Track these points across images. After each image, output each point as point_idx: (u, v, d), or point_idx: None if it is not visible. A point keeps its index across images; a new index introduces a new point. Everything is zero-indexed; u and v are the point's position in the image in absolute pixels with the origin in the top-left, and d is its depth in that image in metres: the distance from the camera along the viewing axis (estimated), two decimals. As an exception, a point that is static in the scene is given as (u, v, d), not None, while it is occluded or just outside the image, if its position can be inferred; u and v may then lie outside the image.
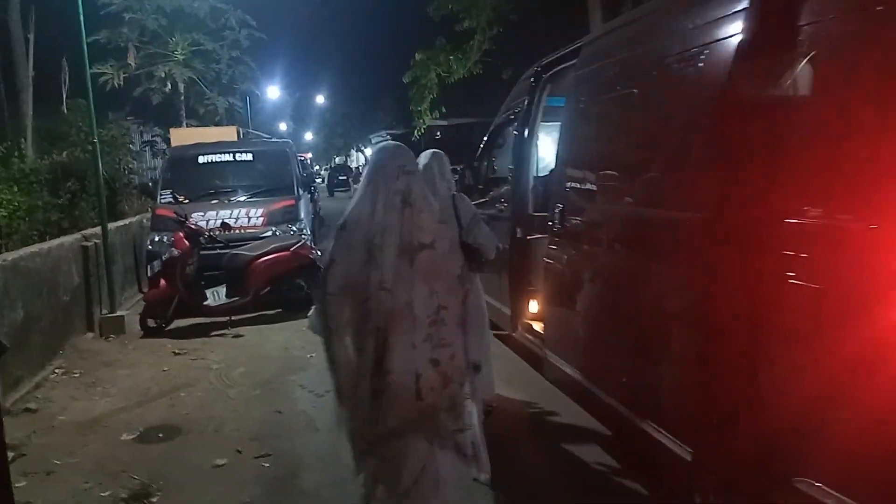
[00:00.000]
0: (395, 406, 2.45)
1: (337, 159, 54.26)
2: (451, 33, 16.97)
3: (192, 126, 14.57)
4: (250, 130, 15.89)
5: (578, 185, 3.64)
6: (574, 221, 3.67)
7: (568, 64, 4.87)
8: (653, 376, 2.86)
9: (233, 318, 7.11)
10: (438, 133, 18.79)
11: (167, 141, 21.22)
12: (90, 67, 6.56)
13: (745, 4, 2.45)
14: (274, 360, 5.88)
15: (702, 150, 2.57)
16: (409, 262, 2.46)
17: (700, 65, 2.62)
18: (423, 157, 3.63)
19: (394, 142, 2.87)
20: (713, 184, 2.49)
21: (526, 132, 5.16)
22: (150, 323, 6.92)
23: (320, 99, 43.08)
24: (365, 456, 2.59)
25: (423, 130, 17.86)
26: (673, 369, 2.72)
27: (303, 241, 7.46)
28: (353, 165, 46.58)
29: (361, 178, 2.73)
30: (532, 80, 5.19)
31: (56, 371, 5.57)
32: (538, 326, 4.90)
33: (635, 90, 3.13)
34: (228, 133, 10.56)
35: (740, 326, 2.43)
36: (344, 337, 2.51)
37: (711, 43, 2.59)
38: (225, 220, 7.50)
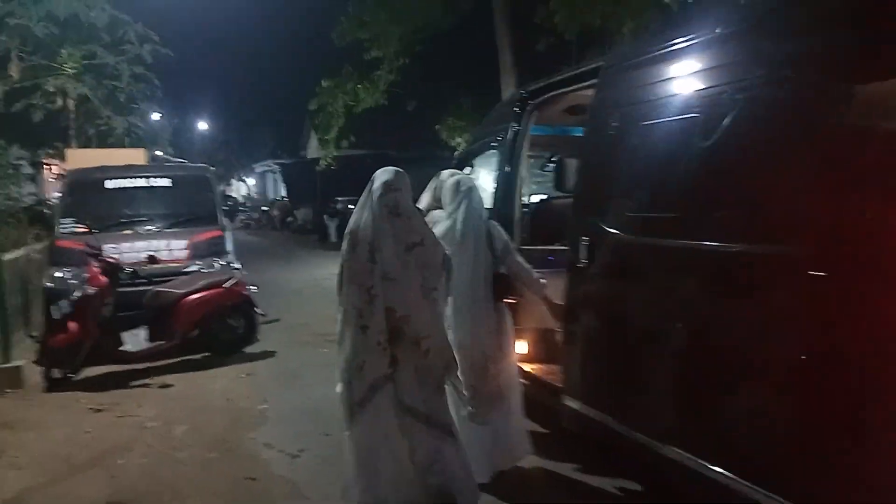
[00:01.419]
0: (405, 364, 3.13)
1: (216, 189, 51.69)
2: (357, 62, 16.61)
3: (80, 148, 13.01)
4: (157, 153, 14.44)
5: (619, 218, 3.36)
6: (618, 257, 3.39)
7: (559, 91, 4.69)
8: (750, 427, 2.60)
9: (154, 364, 6.22)
10: (333, 165, 18.20)
11: (35, 165, 19.04)
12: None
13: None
14: (220, 414, 5.12)
15: (823, 182, 2.37)
16: (407, 257, 3.12)
17: (807, 85, 2.44)
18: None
19: (392, 167, 3.33)
20: (840, 217, 2.29)
21: (512, 161, 4.87)
22: (56, 373, 5.89)
23: (202, 125, 40.93)
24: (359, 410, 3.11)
25: (329, 160, 17.21)
26: (778, 417, 2.47)
27: (236, 276, 6.70)
28: (238, 195, 44.41)
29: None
30: (517, 107, 4.93)
31: (-57, 438, 4.54)
32: (531, 368, 4.57)
33: (699, 114, 2.92)
34: (135, 156, 9.42)
35: (869, 371, 2.22)
36: (355, 318, 3.09)
37: (813, 64, 2.42)
38: (150, 253, 6.61)
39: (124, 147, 13.49)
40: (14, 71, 11.81)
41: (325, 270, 14.83)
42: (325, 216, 24.55)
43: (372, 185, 3.20)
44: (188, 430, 4.78)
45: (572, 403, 3.76)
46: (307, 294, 11.18)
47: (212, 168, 8.62)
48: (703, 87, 2.98)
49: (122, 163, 8.66)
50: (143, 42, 13.48)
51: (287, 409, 5.18)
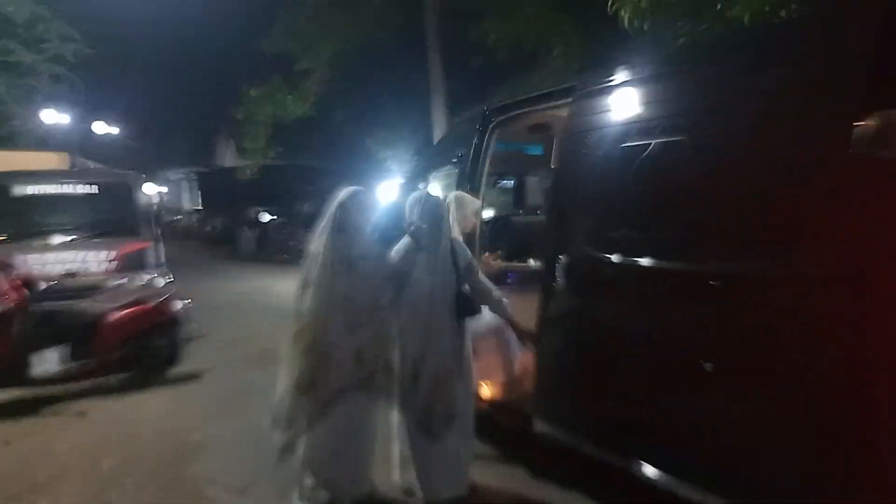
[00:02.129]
0: (336, 373, 3.28)
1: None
2: (286, 72, 16.20)
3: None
4: (81, 158, 13.21)
5: (601, 237, 3.29)
6: (599, 277, 3.30)
7: (524, 110, 4.63)
8: (738, 448, 2.57)
9: (71, 386, 5.66)
10: (257, 174, 17.62)
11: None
12: None
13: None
14: (151, 445, 4.67)
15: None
16: (347, 268, 3.34)
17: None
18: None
19: (354, 187, 3.56)
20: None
21: (473, 178, 4.74)
22: (-47, 400, 5.25)
23: (113, 129, 38.58)
24: (315, 419, 3.32)
25: (253, 170, 16.62)
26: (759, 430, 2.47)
27: (168, 291, 6.22)
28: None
29: None
30: (479, 124, 4.82)
31: None
32: (490, 391, 4.44)
33: (684, 137, 2.90)
34: (56, 160, 8.59)
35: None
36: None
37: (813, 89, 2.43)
38: (69, 268, 6.03)
39: (34, 150, 12.35)
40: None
41: (251, 283, 14.27)
42: (237, 226, 23.73)
43: (329, 204, 3.48)
44: (117, 464, 4.32)
45: (545, 427, 3.65)
46: (235, 309, 10.63)
47: (142, 175, 8.01)
48: (686, 111, 2.97)
49: (41, 167, 7.91)
50: (64, 40, 12.44)
51: (226, 436, 4.79)
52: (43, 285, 5.66)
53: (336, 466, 3.42)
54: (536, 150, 5.62)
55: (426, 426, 3.58)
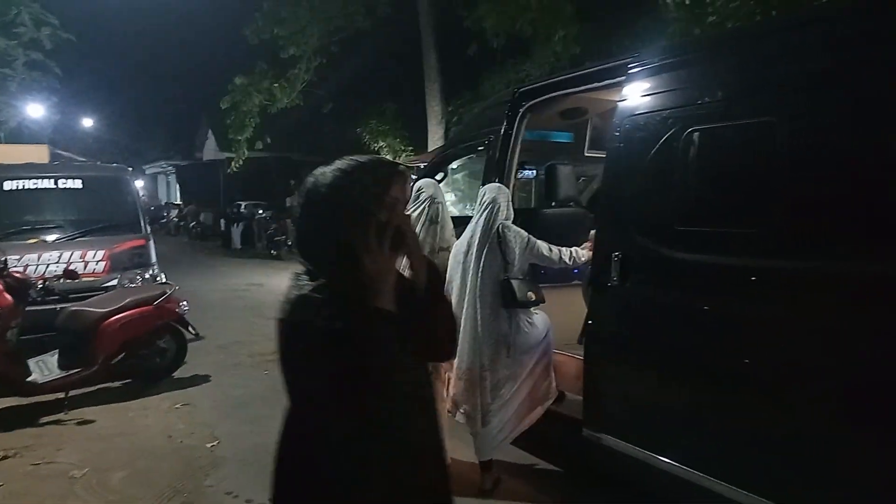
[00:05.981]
0: None
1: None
2: (272, 60, 15.72)
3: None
4: (60, 151, 12.57)
5: (669, 231, 3.03)
6: (666, 275, 3.05)
7: (559, 92, 4.35)
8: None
9: (69, 395, 5.31)
10: (242, 167, 17.08)
11: None
12: None
13: None
14: (163, 457, 4.35)
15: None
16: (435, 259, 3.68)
17: None
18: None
19: (431, 180, 3.93)
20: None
21: (503, 167, 4.46)
22: (-56, 412, 4.88)
23: (87, 122, 37.58)
24: None
25: (241, 162, 16.11)
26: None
27: (168, 292, 5.86)
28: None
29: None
30: (508, 109, 4.53)
31: None
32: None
33: (774, 118, 2.64)
34: (37, 153, 8.08)
35: None
36: None
37: None
38: (67, 266, 5.65)
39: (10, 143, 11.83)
40: None
41: (241, 279, 13.86)
42: (225, 220, 23.18)
43: (419, 196, 3.69)
44: (128, 477, 4.01)
45: (598, 437, 3.40)
46: (231, 306, 10.26)
47: (130, 168, 7.62)
48: (779, 85, 2.71)
49: (21, 161, 7.48)
50: (39, 25, 11.83)
51: (243, 446, 4.49)
52: (38, 287, 5.28)
53: None
54: (564, 138, 5.34)
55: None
